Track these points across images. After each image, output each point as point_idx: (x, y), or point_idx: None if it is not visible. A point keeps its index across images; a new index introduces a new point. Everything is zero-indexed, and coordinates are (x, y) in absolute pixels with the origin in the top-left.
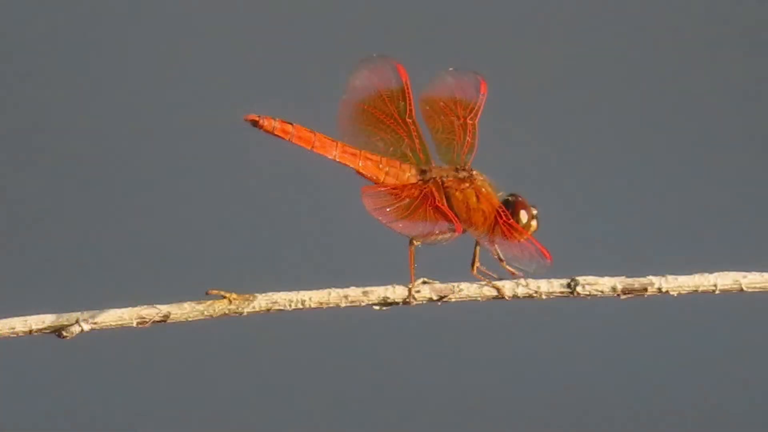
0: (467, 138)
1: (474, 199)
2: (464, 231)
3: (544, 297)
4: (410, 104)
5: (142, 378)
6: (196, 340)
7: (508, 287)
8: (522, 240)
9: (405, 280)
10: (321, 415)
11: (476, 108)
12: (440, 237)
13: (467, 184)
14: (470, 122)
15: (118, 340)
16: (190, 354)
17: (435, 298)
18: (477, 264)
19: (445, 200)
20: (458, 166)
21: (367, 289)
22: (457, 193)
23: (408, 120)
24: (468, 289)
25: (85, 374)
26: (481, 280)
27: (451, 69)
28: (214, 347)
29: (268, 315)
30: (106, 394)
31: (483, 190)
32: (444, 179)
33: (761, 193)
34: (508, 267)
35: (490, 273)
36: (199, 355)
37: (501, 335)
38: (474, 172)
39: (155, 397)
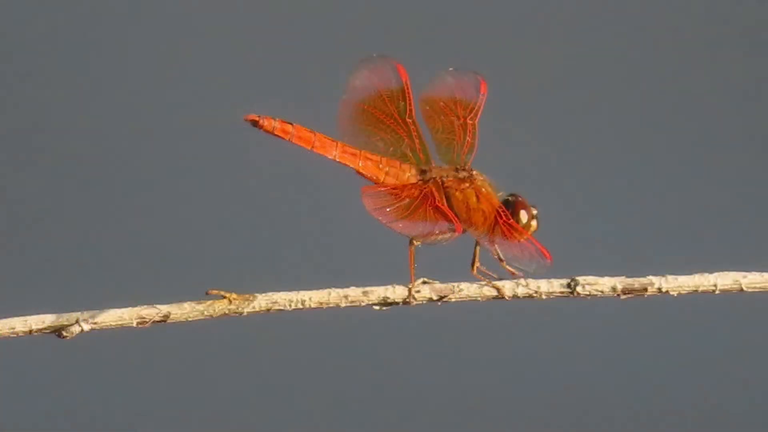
0: (467, 138)
1: (474, 199)
2: (464, 231)
3: (544, 297)
4: (410, 104)
5: (142, 378)
6: (196, 340)
7: (508, 287)
8: (522, 240)
9: (405, 280)
10: (321, 415)
11: (476, 108)
12: (440, 237)
13: (467, 184)
14: (470, 122)
15: (118, 340)
16: (190, 354)
17: (435, 298)
18: (477, 264)
19: (445, 200)
20: (458, 166)
21: (367, 289)
22: (457, 193)
23: (408, 120)
24: (468, 289)
25: (85, 374)
26: (481, 280)
27: (451, 69)
28: (214, 347)
29: (268, 315)
30: (106, 394)
31: (483, 190)
32: (444, 179)
33: (761, 193)
34: (508, 267)
35: (490, 273)
36: (199, 355)
37: (501, 335)
38: (474, 172)
39: (155, 397)
